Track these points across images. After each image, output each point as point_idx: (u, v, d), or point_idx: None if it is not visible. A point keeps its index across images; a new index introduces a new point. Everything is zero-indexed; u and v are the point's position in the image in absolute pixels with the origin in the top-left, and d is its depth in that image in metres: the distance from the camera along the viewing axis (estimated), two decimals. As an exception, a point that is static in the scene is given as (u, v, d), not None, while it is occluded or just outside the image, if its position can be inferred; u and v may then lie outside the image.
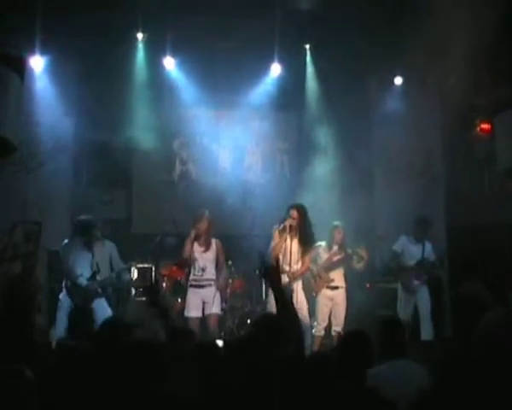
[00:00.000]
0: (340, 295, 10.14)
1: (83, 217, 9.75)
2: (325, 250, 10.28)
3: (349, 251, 10.18)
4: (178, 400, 3.95)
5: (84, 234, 9.50)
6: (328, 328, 10.19)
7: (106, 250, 9.68)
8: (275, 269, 4.92)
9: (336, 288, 10.13)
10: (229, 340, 5.45)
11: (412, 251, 10.62)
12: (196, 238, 9.62)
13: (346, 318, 10.15)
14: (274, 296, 4.96)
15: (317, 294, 10.14)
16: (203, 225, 9.61)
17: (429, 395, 3.61)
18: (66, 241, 9.63)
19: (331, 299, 10.11)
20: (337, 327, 9.97)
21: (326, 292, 10.11)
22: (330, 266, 10.18)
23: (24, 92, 10.06)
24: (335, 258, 10.21)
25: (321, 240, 10.22)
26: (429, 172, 13.40)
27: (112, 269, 9.62)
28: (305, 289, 9.81)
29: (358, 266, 10.26)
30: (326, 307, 10.11)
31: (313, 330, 10.00)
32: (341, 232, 10.26)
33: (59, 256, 9.75)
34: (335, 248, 10.28)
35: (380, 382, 4.37)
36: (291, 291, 8.95)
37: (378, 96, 13.32)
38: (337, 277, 10.20)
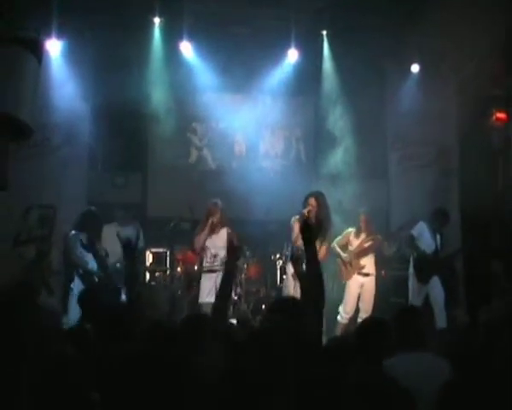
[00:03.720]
0: (370, 282, 10.11)
1: (86, 210, 9.85)
2: (354, 237, 10.25)
3: (379, 237, 10.14)
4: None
5: (88, 228, 9.59)
6: (355, 316, 10.15)
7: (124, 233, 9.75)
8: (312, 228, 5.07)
9: (367, 275, 10.10)
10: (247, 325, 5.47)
11: (428, 239, 10.57)
12: (211, 230, 9.67)
13: (374, 306, 10.10)
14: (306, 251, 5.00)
15: (347, 281, 10.10)
16: (217, 217, 9.67)
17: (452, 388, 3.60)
18: (73, 232, 9.68)
19: (361, 285, 10.07)
20: (364, 314, 9.86)
21: (357, 278, 10.08)
22: (361, 253, 10.14)
23: (41, 76, 10.09)
24: (366, 245, 10.18)
25: (340, 227, 10.24)
26: (444, 160, 13.37)
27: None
28: (335, 276, 9.89)
29: (389, 251, 10.24)
30: (356, 293, 10.07)
31: (338, 317, 9.98)
32: (366, 218, 10.21)
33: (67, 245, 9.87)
34: (363, 234, 10.24)
35: (397, 373, 4.37)
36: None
37: (394, 83, 13.27)
38: (368, 263, 10.17)
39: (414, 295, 10.52)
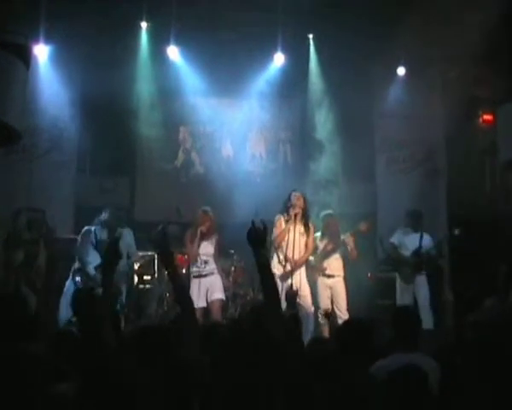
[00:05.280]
0: (337, 284, 10.13)
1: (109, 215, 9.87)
2: (320, 240, 10.30)
3: (342, 239, 10.17)
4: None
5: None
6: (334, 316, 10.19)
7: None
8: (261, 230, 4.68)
9: (332, 276, 10.14)
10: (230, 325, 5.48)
11: (407, 242, 10.63)
12: (202, 238, 9.72)
13: (348, 307, 10.12)
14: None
15: (314, 283, 10.18)
16: (206, 225, 9.72)
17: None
18: (87, 227, 9.75)
19: (330, 287, 10.13)
20: (342, 315, 9.95)
21: (323, 280, 10.13)
22: (324, 255, 10.21)
23: (29, 80, 10.12)
24: (328, 247, 10.24)
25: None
26: (431, 162, 13.45)
27: (128, 256, 9.82)
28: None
29: (350, 255, 10.25)
30: (325, 295, 10.12)
31: (319, 319, 10.05)
32: (331, 222, 10.26)
33: (68, 241, 9.93)
34: (326, 237, 10.28)
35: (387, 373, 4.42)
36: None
37: (381, 85, 13.35)
38: (333, 266, 10.19)
39: (400, 297, 10.55)
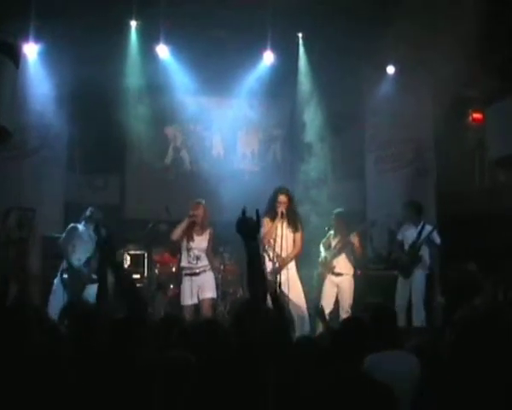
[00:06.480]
0: (345, 282, 10.23)
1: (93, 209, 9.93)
2: (332, 238, 10.40)
3: (350, 238, 10.23)
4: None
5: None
6: (335, 314, 10.23)
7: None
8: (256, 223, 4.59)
9: (341, 274, 10.23)
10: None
11: (407, 236, 10.62)
12: (192, 227, 9.67)
13: (353, 305, 10.19)
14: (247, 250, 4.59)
15: (323, 281, 10.27)
16: (199, 214, 9.68)
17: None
18: (72, 224, 9.79)
19: (336, 285, 10.21)
20: (345, 313, 9.99)
21: (331, 278, 10.25)
22: (335, 253, 10.29)
23: (18, 79, 10.12)
24: (338, 245, 10.32)
25: (314, 226, 10.38)
26: (421, 161, 13.47)
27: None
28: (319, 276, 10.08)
29: (356, 252, 10.33)
30: (331, 293, 10.20)
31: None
32: (339, 220, 10.33)
33: (58, 239, 9.94)
34: (338, 236, 10.37)
35: (372, 371, 4.44)
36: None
37: (370, 84, 13.36)
38: (342, 264, 10.30)
39: (399, 293, 10.52)
